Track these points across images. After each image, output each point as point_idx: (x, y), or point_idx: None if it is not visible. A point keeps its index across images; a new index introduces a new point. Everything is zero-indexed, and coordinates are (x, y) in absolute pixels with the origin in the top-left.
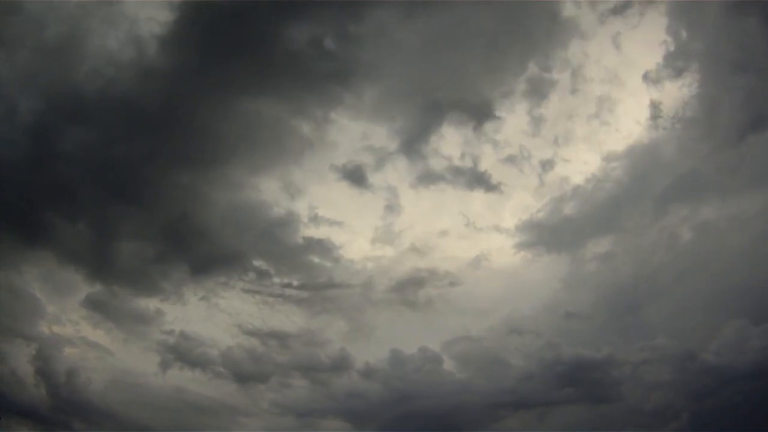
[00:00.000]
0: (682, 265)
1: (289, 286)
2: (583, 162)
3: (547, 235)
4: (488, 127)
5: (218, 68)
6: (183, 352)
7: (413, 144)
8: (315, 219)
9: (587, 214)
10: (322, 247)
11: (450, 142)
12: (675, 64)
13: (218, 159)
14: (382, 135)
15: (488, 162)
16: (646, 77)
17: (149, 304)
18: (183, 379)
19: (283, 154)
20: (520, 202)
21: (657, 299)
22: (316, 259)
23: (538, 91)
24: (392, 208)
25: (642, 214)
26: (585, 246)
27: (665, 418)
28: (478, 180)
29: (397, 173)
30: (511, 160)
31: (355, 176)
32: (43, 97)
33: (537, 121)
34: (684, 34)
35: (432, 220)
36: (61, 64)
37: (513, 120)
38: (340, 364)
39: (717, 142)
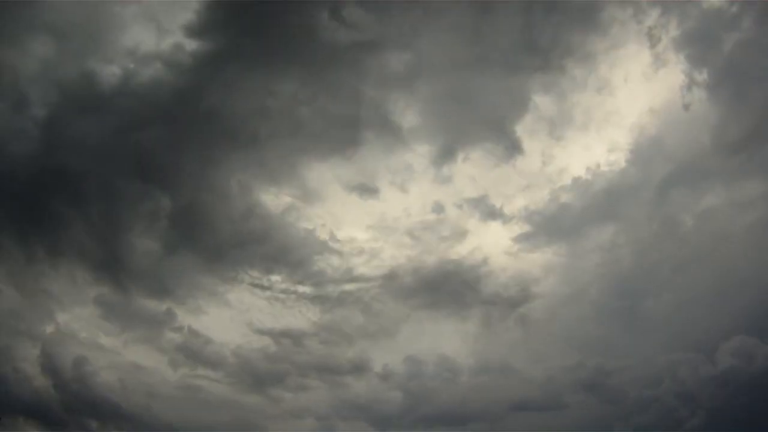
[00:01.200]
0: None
1: (302, 282)
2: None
3: (547, 225)
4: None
5: (239, 53)
6: (195, 352)
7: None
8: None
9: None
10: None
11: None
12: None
13: (236, 148)
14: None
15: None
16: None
17: (159, 302)
18: (197, 379)
19: (303, 141)
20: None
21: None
22: (332, 256)
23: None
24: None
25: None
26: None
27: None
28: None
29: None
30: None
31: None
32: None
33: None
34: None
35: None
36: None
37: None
38: (359, 366)
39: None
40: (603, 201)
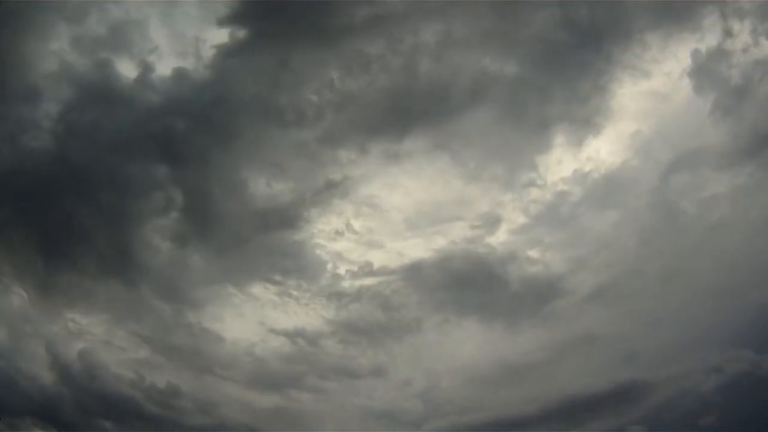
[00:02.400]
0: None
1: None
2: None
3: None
4: None
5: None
6: (207, 350)
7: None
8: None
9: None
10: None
11: None
12: None
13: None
14: None
15: None
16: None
17: (171, 299)
18: (210, 378)
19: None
20: None
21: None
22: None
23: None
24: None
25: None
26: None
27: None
28: None
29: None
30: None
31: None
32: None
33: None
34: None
35: None
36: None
37: None
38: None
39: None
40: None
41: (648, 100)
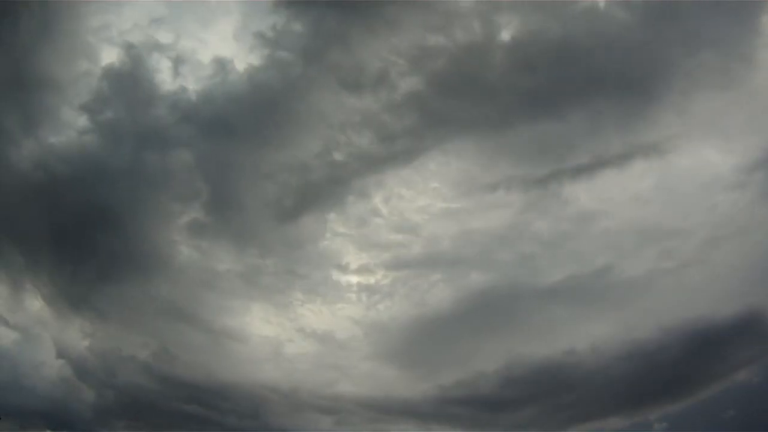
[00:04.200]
0: None
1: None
2: None
3: None
4: None
5: None
6: (230, 349)
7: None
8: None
9: None
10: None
11: None
12: None
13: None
14: None
15: None
16: None
17: (190, 298)
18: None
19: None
20: None
21: None
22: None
23: None
24: None
25: None
26: None
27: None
28: None
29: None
30: None
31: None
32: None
33: None
34: None
35: None
36: None
37: None
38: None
39: None
40: None
41: None
